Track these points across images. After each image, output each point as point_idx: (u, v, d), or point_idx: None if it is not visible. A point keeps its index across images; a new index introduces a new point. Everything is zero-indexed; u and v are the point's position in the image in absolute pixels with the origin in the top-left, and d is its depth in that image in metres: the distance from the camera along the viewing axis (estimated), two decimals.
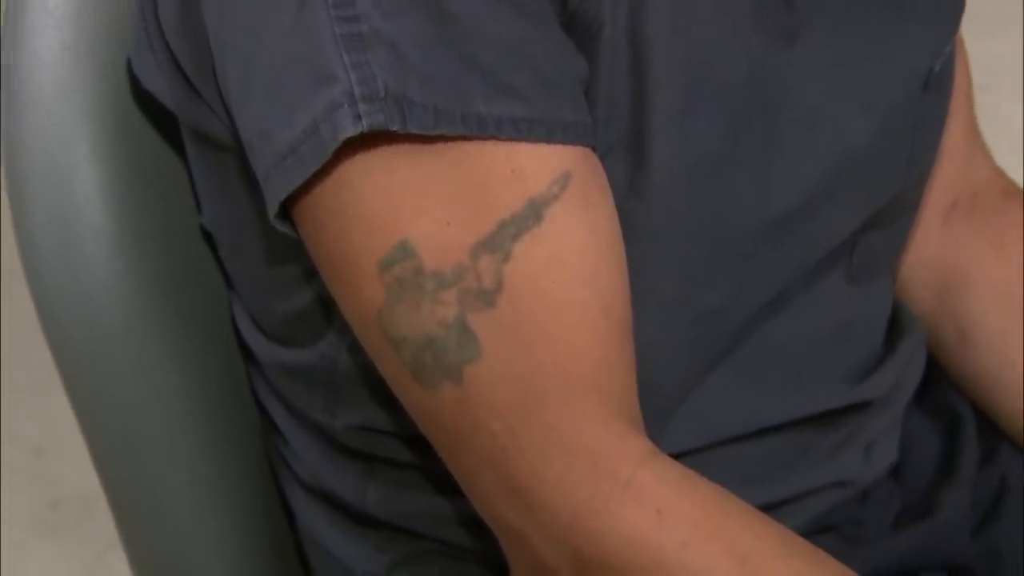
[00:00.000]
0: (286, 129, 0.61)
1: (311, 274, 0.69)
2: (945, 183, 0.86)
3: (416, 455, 0.73)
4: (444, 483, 0.70)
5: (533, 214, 0.62)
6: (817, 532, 0.77)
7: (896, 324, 0.84)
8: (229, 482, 0.84)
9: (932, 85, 0.77)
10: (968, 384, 0.87)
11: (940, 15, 0.78)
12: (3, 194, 0.80)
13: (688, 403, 0.73)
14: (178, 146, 0.79)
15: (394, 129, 0.59)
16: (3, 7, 0.81)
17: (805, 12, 0.71)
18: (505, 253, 0.62)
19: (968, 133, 0.88)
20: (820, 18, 0.71)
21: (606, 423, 0.62)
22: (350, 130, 0.59)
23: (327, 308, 0.71)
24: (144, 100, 0.77)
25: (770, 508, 0.74)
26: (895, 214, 0.80)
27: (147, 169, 0.79)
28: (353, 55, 0.59)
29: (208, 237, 0.79)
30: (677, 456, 0.68)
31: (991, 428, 0.87)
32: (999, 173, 0.90)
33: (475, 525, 0.70)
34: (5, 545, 1.53)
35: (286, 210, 0.64)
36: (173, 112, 0.74)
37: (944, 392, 0.88)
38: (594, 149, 0.64)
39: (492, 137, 0.61)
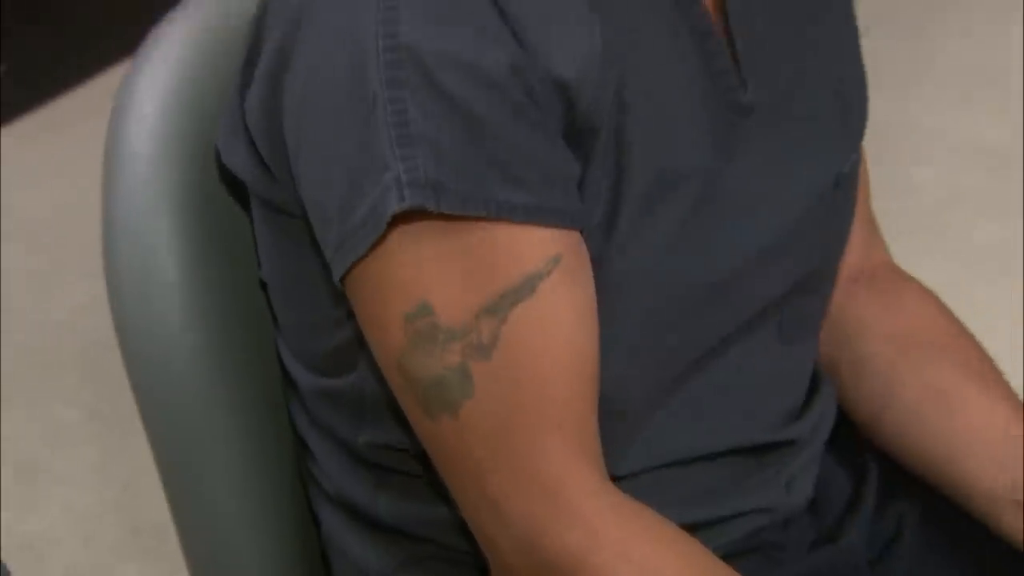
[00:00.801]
0: (354, 212, 0.70)
1: (348, 318, 0.76)
2: (848, 261, 0.92)
3: (422, 469, 0.79)
4: (443, 494, 0.77)
5: (528, 287, 0.70)
6: (746, 551, 0.84)
7: (815, 379, 0.90)
8: (272, 496, 0.89)
9: (841, 184, 0.85)
10: (861, 412, 0.93)
11: (849, 130, 0.88)
12: (103, 254, 0.86)
13: (645, 430, 0.79)
14: (243, 213, 0.86)
15: (429, 208, 0.67)
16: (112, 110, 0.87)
17: (748, 129, 0.79)
18: (503, 317, 0.70)
19: (867, 222, 0.95)
20: (758, 132, 0.80)
21: (567, 458, 0.70)
22: (395, 207, 0.67)
23: (359, 346, 0.76)
24: (218, 177, 0.85)
25: (706, 526, 0.81)
26: (816, 285, 0.86)
27: (215, 232, 0.86)
28: (403, 150, 0.67)
29: (263, 287, 0.85)
30: (634, 475, 0.77)
31: (892, 474, 0.92)
32: (891, 259, 0.97)
33: (468, 531, 0.76)
34: (96, 569, 1.62)
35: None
36: (245, 185, 0.81)
37: (853, 440, 0.93)
38: (581, 232, 0.71)
39: (504, 219, 0.68)
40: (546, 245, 0.70)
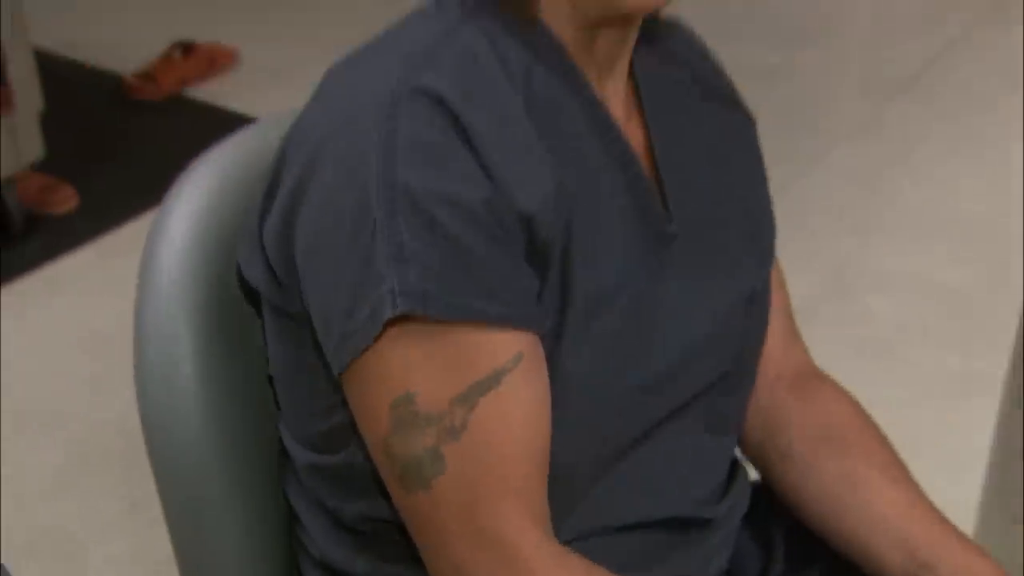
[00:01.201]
0: (354, 316, 0.73)
1: (342, 405, 0.79)
2: (771, 363, 0.96)
3: (399, 535, 0.81)
4: (415, 556, 0.79)
5: (495, 380, 0.73)
6: None
7: (734, 467, 0.94)
8: (267, 561, 0.92)
9: (754, 299, 0.89)
10: (785, 494, 0.95)
11: (759, 253, 0.92)
12: (134, 360, 0.89)
13: (586, 500, 0.82)
14: (252, 322, 0.88)
15: (418, 313, 0.71)
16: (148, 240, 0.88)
17: (672, 254, 0.84)
18: (472, 405, 0.73)
19: (788, 329, 0.99)
20: (681, 257, 0.84)
21: (522, 523, 0.74)
22: (389, 313, 0.71)
23: (351, 428, 0.79)
24: (232, 293, 0.88)
25: None
26: (734, 386, 0.90)
27: (229, 338, 0.89)
28: (397, 266, 0.71)
29: (269, 380, 0.88)
30: (574, 540, 0.80)
31: (798, 545, 0.95)
32: (810, 361, 0.99)
33: None
34: None
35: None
36: (257, 297, 0.84)
37: (764, 520, 0.96)
38: (539, 335, 0.75)
39: (478, 324, 0.73)
40: (510, 345, 0.74)
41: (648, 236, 0.83)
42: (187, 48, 2.88)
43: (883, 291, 2.19)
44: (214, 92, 2.80)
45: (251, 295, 0.86)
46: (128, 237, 2.29)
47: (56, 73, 2.58)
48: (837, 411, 0.94)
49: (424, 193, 0.71)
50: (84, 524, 1.76)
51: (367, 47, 0.81)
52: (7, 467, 1.82)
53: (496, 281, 0.73)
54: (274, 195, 0.79)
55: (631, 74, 0.86)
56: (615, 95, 0.83)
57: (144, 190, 1.83)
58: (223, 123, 2.61)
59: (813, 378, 0.97)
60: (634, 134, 0.85)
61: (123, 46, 2.92)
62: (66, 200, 2.40)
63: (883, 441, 0.92)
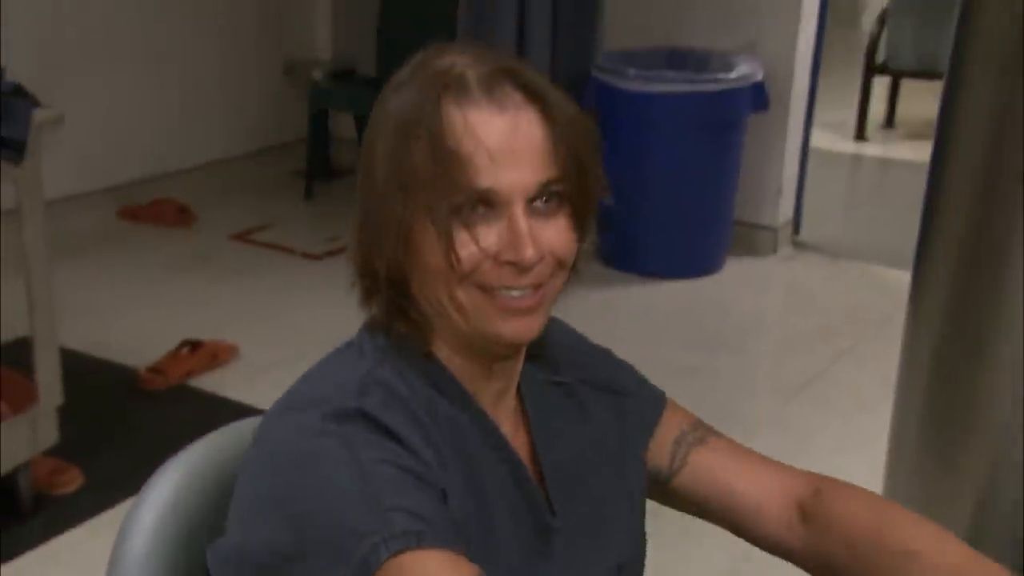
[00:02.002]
0: (349, 561, 0.73)
1: None
2: (787, 495, 0.93)
3: None
4: None
5: None
6: None
7: None
8: None
9: (622, 568, 0.92)
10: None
11: (631, 527, 0.95)
12: None
13: None
14: None
15: (408, 548, 0.72)
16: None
17: (555, 542, 0.87)
18: None
19: (776, 479, 0.95)
20: (563, 544, 0.88)
21: None
22: (384, 554, 0.72)
23: None
24: (192, 571, 0.87)
25: None
26: None
27: None
28: (381, 515, 0.74)
29: None
30: None
31: None
32: (807, 478, 0.95)
33: None
34: None
35: None
36: None
37: None
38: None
39: (453, 549, 0.74)
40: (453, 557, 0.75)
41: (534, 528, 0.86)
42: (194, 345, 2.96)
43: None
44: (215, 383, 2.87)
45: None
46: (123, 514, 2.25)
47: (77, 368, 2.61)
48: (853, 511, 0.91)
49: (384, 463, 0.76)
50: None
51: (289, 398, 0.84)
52: None
53: (448, 526, 0.77)
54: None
55: (518, 388, 0.91)
56: (505, 415, 0.89)
57: (145, 470, 1.87)
58: (220, 409, 2.74)
59: (827, 490, 0.94)
60: (521, 443, 0.89)
61: (140, 343, 3.01)
62: (72, 481, 2.36)
63: (907, 515, 0.90)
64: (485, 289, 0.82)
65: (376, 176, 0.83)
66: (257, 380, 2.86)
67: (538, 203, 0.82)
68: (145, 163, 4.11)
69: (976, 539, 1.01)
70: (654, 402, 1.00)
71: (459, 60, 0.83)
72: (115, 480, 2.35)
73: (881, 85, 5.36)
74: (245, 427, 0.96)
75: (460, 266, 0.81)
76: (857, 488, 0.93)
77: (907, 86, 5.40)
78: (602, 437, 0.95)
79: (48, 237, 2.19)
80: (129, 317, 3.26)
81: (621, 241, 3.49)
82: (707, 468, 0.97)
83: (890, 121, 5.54)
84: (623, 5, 3.70)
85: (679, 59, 3.65)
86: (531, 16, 3.49)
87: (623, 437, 0.97)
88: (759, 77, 3.53)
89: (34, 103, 2.08)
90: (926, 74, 4.85)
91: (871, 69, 5.23)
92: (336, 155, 4.45)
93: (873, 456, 1.46)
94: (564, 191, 0.83)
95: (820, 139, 4.44)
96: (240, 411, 1.02)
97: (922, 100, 5.25)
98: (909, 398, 1.16)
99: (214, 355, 2.97)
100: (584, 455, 0.93)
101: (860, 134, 5.32)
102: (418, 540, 0.73)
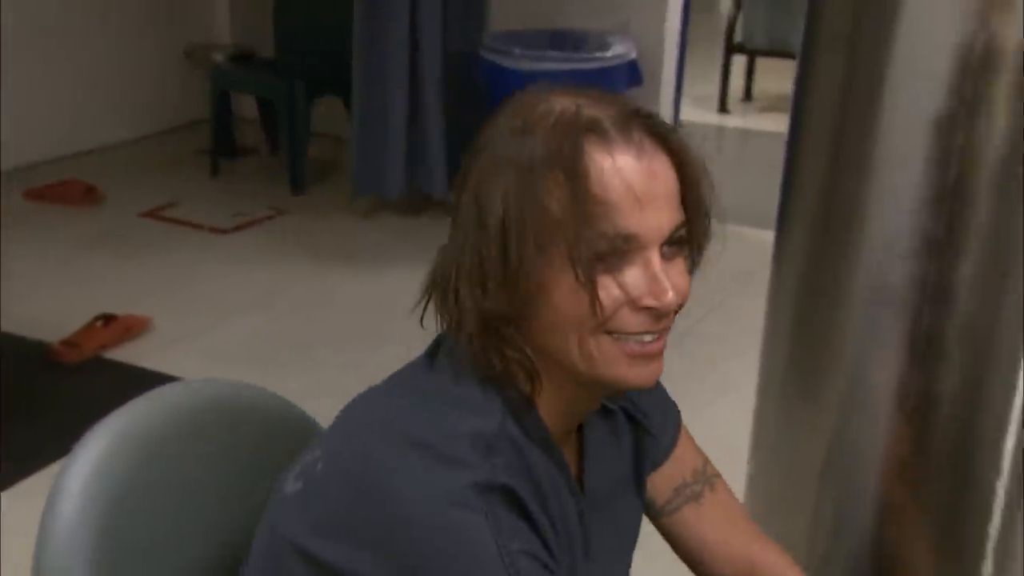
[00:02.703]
0: None
1: None
2: (746, 562, 0.96)
3: None
4: None
5: None
6: None
7: None
8: None
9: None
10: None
11: (632, 541, 0.93)
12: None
13: None
14: (135, 560, 0.86)
15: None
16: None
17: (590, 536, 0.84)
18: None
19: (751, 536, 0.97)
20: (597, 541, 0.85)
21: None
22: None
23: None
24: (120, 534, 0.85)
25: None
26: None
27: (114, 571, 0.85)
28: None
29: None
30: None
31: None
32: (758, 544, 0.97)
33: None
34: None
35: None
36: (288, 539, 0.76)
37: None
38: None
39: None
40: None
41: (578, 530, 0.83)
42: (108, 319, 2.89)
43: None
44: (130, 354, 2.80)
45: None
46: (41, 482, 2.15)
47: None
48: None
49: (530, 557, 0.72)
50: None
51: (406, 419, 0.76)
52: None
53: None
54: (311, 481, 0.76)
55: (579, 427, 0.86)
56: (569, 446, 0.84)
57: (61, 440, 1.84)
58: (136, 379, 2.68)
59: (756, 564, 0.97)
60: (573, 467, 0.85)
61: (53, 319, 2.91)
62: None
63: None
64: (615, 336, 0.76)
65: (490, 224, 0.74)
66: (170, 350, 2.80)
67: (665, 248, 0.77)
68: (50, 145, 3.97)
69: (831, 460, 1.11)
70: (668, 439, 0.97)
71: (580, 102, 0.76)
72: (31, 451, 2.29)
73: (739, 63, 5.47)
74: (168, 392, 0.94)
75: (603, 313, 0.74)
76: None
77: (762, 64, 5.53)
78: (625, 461, 0.92)
79: None
80: (41, 294, 3.15)
81: None
82: (694, 524, 0.97)
83: (748, 95, 5.67)
84: None
85: (560, 39, 3.68)
86: (423, 0, 3.46)
87: (640, 464, 0.94)
88: (632, 56, 3.57)
89: None
90: (778, 53, 5.01)
91: (730, 49, 5.35)
92: (239, 135, 4.35)
93: (744, 397, 1.50)
94: (684, 236, 0.78)
95: (688, 112, 4.53)
96: (156, 380, 0.96)
97: (775, 76, 5.39)
98: (774, 344, 1.20)
99: (128, 328, 2.91)
100: (614, 476, 0.90)
101: (722, 107, 5.44)
102: None
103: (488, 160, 0.76)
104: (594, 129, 0.74)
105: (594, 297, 0.73)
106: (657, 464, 0.95)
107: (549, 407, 0.79)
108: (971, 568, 1.10)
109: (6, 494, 2.20)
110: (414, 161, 3.65)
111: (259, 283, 3.28)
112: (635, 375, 0.77)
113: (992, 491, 1.05)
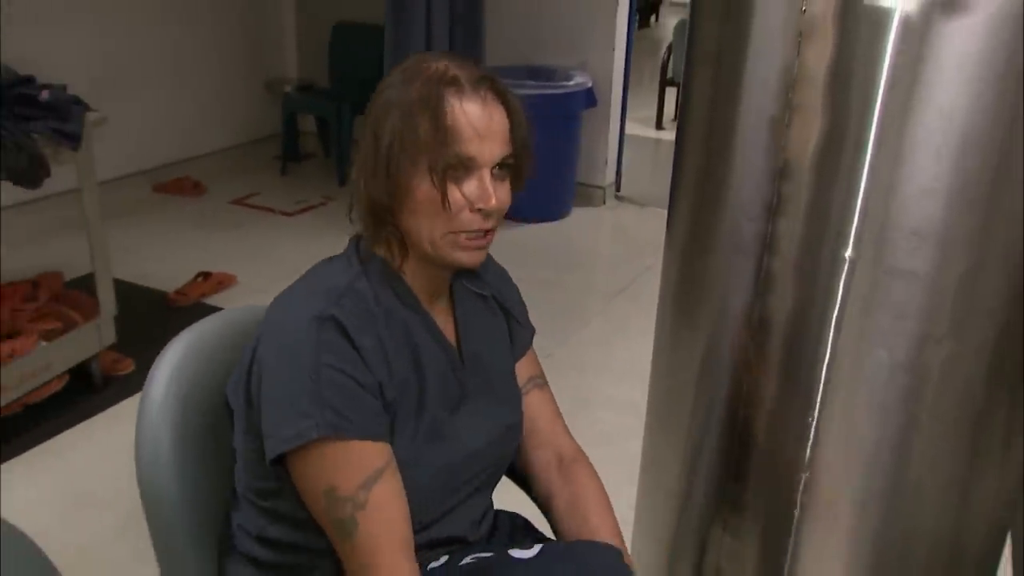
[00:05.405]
0: (286, 431, 0.72)
1: (276, 479, 0.78)
2: (549, 448, 0.94)
3: (301, 557, 0.79)
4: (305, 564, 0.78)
5: (377, 476, 0.73)
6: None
7: (488, 508, 0.92)
8: (211, 549, 0.90)
9: (510, 428, 0.90)
10: (548, 514, 0.92)
11: (512, 404, 0.91)
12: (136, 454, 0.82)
13: (430, 529, 0.83)
14: (217, 437, 0.86)
15: (329, 436, 0.71)
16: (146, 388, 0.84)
17: (467, 396, 0.84)
18: (368, 489, 0.73)
19: (556, 426, 0.94)
20: (471, 400, 0.85)
21: (403, 560, 0.74)
22: (314, 435, 0.71)
23: (279, 490, 0.79)
24: (198, 409, 0.85)
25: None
26: (496, 473, 0.91)
27: (201, 446, 0.87)
28: (320, 408, 0.72)
29: (231, 468, 0.85)
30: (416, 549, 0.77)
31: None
32: (574, 444, 0.95)
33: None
34: None
35: (282, 461, 0.74)
36: (234, 413, 0.80)
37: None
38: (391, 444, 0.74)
39: (366, 441, 0.73)
40: (383, 452, 0.75)
41: (455, 391, 0.84)
42: (206, 276, 2.89)
43: (608, 408, 2.21)
44: (221, 301, 2.81)
45: (230, 414, 0.84)
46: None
47: (126, 293, 2.56)
48: (585, 484, 0.92)
49: (335, 370, 0.73)
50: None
51: (299, 285, 0.81)
52: None
53: (371, 418, 0.75)
54: (250, 360, 0.79)
55: (451, 295, 0.88)
56: (440, 313, 0.86)
57: None
58: None
59: (574, 462, 0.94)
60: (449, 332, 0.86)
61: (168, 275, 2.93)
62: (127, 367, 2.33)
63: (606, 505, 0.92)
64: (455, 231, 0.79)
65: (382, 144, 0.78)
66: (249, 299, 2.80)
67: (496, 170, 0.80)
68: (170, 152, 3.95)
69: (703, 367, 1.09)
70: (528, 339, 0.96)
71: (449, 65, 0.79)
72: None
73: (671, 93, 5.42)
74: (221, 315, 0.98)
75: (450, 208, 0.78)
76: (594, 479, 0.93)
77: None
78: (501, 337, 0.93)
79: (99, 204, 2.16)
80: (161, 258, 3.16)
81: None
82: (534, 406, 0.95)
83: (678, 116, 5.57)
84: (496, 34, 3.65)
85: (535, 72, 3.64)
86: (435, 45, 3.44)
87: (509, 345, 0.94)
88: (589, 85, 3.55)
89: (87, 108, 2.05)
90: None
91: (664, 82, 5.29)
92: (302, 144, 4.33)
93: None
94: (511, 164, 0.81)
95: (632, 128, 4.49)
96: None
97: None
98: (667, 285, 1.22)
99: (220, 282, 2.92)
100: (490, 345, 0.90)
101: (659, 125, 5.39)
102: (335, 431, 0.71)
103: (382, 101, 0.79)
104: (454, 83, 0.78)
105: (443, 196, 0.77)
106: (518, 355, 0.95)
107: (414, 277, 0.82)
108: (805, 403, 1.03)
109: (138, 396, 2.10)
110: None
111: (314, 251, 3.18)
112: (466, 257, 0.80)
113: (817, 380, 1.02)
